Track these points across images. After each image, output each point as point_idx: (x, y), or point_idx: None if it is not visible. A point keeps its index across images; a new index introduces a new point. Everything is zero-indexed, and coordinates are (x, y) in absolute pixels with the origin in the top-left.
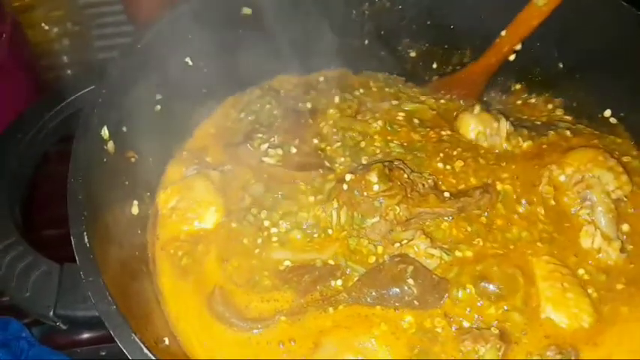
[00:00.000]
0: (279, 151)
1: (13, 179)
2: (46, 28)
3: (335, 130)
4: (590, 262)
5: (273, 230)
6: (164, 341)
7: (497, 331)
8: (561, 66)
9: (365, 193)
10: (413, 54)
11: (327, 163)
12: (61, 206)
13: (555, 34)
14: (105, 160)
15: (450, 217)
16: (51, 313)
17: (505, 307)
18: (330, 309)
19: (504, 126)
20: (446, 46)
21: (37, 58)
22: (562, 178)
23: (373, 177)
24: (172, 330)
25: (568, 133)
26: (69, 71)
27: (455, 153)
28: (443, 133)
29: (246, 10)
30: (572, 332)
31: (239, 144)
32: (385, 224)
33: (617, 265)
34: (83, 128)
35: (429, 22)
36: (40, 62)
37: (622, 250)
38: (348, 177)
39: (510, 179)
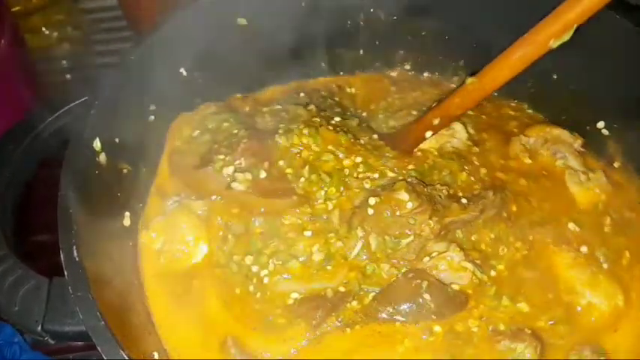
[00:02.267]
0: (248, 176)
1: (5, 189)
2: (47, 32)
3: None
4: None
5: (264, 273)
6: (153, 355)
7: (530, 331)
8: (555, 77)
9: (397, 213)
10: (407, 66)
11: (298, 190)
12: (55, 212)
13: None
14: (97, 172)
15: (479, 219)
16: (39, 328)
17: (550, 322)
18: (348, 329)
19: (460, 128)
20: (440, 57)
21: (37, 63)
22: (531, 141)
23: (404, 195)
24: (164, 345)
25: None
26: (68, 76)
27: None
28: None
29: (242, 21)
30: (609, 315)
31: (197, 167)
32: (420, 241)
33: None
34: (75, 140)
35: (423, 33)
36: (40, 67)
37: (606, 176)
38: (372, 201)
39: (501, 168)
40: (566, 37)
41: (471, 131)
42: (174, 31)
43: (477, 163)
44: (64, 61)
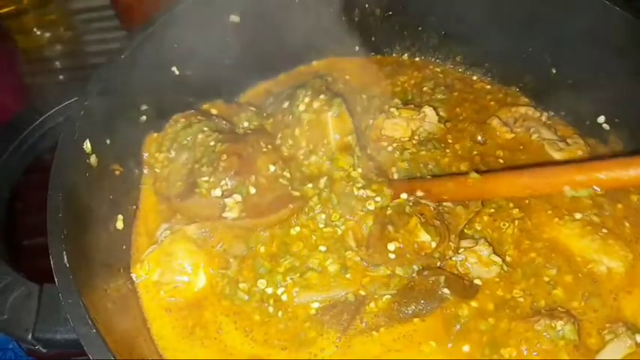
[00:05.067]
0: (238, 198)
1: None
2: (38, 33)
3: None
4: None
5: (280, 291)
6: None
7: (564, 310)
8: (554, 72)
9: (423, 254)
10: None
11: (294, 193)
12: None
13: (548, 40)
14: (87, 174)
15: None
16: (29, 336)
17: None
18: (374, 333)
19: (430, 111)
20: (437, 54)
21: (29, 64)
22: (504, 121)
23: (425, 237)
24: (160, 352)
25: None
26: (61, 77)
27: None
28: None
29: (234, 18)
30: (625, 275)
31: (184, 197)
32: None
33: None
34: (64, 143)
35: (420, 28)
36: (32, 68)
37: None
38: (392, 246)
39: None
40: (584, 192)
41: (442, 114)
42: (165, 28)
43: (456, 145)
44: (57, 62)
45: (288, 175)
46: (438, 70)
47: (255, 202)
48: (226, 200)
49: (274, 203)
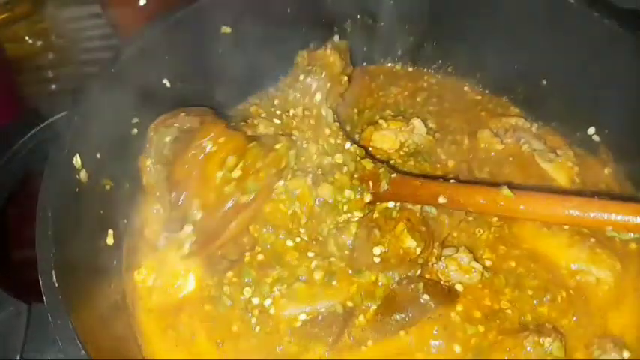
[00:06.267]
0: (189, 230)
1: None
2: (30, 41)
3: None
4: None
5: (267, 302)
6: None
7: (551, 325)
8: (545, 83)
9: (407, 259)
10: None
11: (243, 198)
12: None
13: (538, 51)
14: (77, 190)
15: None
16: (18, 356)
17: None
18: (363, 347)
19: (418, 123)
20: (425, 68)
21: (21, 73)
22: (495, 131)
23: (411, 242)
24: None
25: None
26: (53, 86)
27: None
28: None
29: (226, 29)
30: (614, 286)
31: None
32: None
33: None
34: (54, 158)
35: (411, 39)
36: (24, 77)
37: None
38: (377, 250)
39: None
40: (626, 236)
41: (431, 125)
42: (156, 40)
43: (443, 156)
44: (49, 71)
45: (238, 173)
46: (433, 80)
47: (204, 225)
48: (180, 234)
49: (222, 219)
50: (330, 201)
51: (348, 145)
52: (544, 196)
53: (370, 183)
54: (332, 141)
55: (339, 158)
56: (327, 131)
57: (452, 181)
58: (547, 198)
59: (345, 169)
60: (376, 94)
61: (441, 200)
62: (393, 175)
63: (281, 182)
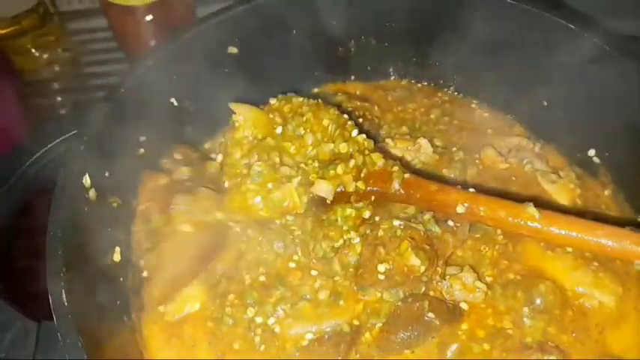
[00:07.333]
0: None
1: None
2: (36, 54)
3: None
4: None
5: (271, 322)
6: None
7: (553, 344)
8: (545, 104)
9: (412, 277)
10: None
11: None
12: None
13: (538, 72)
14: (86, 209)
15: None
16: None
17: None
18: None
19: (425, 143)
20: (432, 84)
21: (26, 86)
22: (498, 150)
23: (415, 261)
24: None
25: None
26: (59, 98)
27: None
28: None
29: (232, 50)
30: (615, 309)
31: None
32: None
33: None
34: (63, 178)
35: (414, 59)
36: (30, 89)
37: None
38: (382, 267)
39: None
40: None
41: (438, 143)
42: (164, 60)
43: (448, 174)
44: (55, 83)
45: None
46: (446, 98)
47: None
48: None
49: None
50: (329, 201)
51: (355, 132)
52: (573, 220)
53: (374, 186)
54: (333, 128)
55: (343, 147)
56: (326, 121)
57: (471, 190)
58: (577, 222)
59: (353, 162)
60: (395, 109)
61: (460, 210)
62: (407, 175)
63: (258, 200)
